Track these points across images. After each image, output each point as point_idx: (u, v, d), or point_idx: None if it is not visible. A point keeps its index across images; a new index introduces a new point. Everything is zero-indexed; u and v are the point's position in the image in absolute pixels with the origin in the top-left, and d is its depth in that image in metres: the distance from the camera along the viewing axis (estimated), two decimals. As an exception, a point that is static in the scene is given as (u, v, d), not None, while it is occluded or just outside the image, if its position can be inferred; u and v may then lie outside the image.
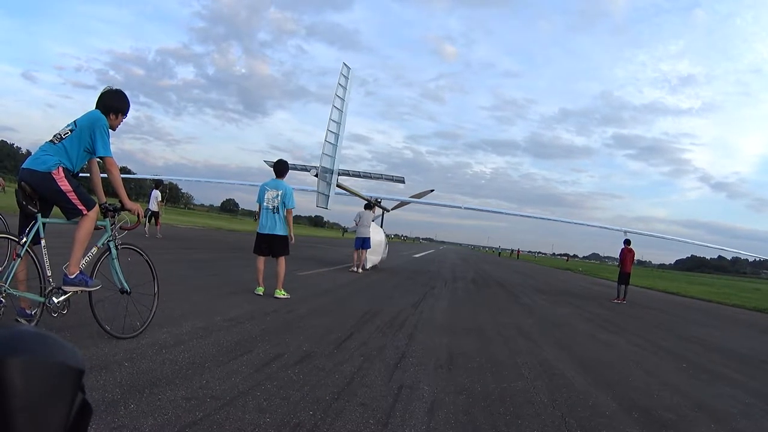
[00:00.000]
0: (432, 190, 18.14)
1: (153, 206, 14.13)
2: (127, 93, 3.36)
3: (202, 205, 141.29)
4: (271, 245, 6.17)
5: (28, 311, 3.03)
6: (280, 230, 6.14)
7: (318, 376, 3.10)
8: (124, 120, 3.37)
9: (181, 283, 5.96)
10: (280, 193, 6.12)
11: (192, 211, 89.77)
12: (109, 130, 3.25)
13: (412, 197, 17.46)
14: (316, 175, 10.21)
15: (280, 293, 5.99)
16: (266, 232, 6.14)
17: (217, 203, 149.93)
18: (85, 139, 3.15)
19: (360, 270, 11.36)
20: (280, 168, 6.36)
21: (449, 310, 7.16)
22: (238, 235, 24.36)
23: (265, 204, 6.14)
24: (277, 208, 6.11)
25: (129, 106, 3.40)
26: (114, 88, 3.34)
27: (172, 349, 3.24)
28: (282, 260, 6.15)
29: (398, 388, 3.08)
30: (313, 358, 3.52)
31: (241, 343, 3.64)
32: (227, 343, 3.58)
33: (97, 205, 3.23)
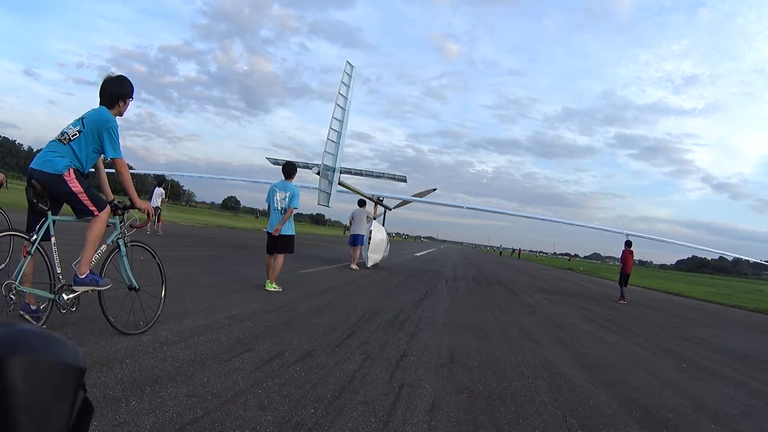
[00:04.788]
0: (434, 189, 18.12)
1: (156, 203, 14.31)
2: None
3: (204, 203, 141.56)
4: (276, 243, 6.43)
5: (33, 307, 3.04)
6: (286, 230, 6.44)
7: (319, 374, 3.10)
8: (131, 103, 3.35)
9: (183, 281, 5.97)
10: (288, 194, 6.40)
11: (193, 209, 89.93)
12: (118, 117, 3.25)
13: (414, 196, 17.43)
14: (318, 173, 10.23)
15: (271, 286, 6.23)
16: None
17: (219, 200, 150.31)
18: (94, 141, 3.14)
19: (355, 266, 11.43)
20: (289, 170, 6.66)
21: (451, 308, 7.15)
22: (239, 232, 24.40)
23: (274, 205, 6.44)
24: (285, 209, 6.39)
25: (133, 89, 3.37)
26: (115, 74, 3.32)
27: (174, 346, 3.24)
28: (281, 257, 6.42)
29: (399, 387, 3.08)
30: (315, 356, 3.52)
31: (242, 340, 3.64)
32: (228, 340, 3.58)
33: (108, 206, 3.24)
